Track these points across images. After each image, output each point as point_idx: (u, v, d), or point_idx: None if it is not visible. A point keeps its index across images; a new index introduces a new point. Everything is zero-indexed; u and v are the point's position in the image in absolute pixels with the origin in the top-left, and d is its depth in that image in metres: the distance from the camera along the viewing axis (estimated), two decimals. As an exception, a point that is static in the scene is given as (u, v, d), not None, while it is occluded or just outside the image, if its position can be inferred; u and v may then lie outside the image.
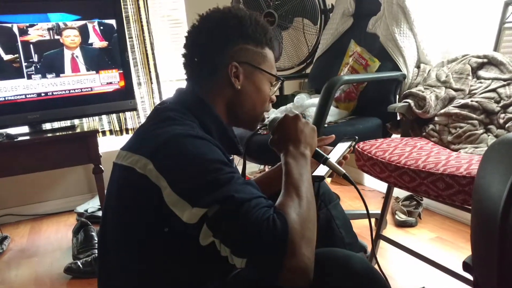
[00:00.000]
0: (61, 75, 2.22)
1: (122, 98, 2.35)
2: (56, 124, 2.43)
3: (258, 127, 1.12)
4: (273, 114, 2.00)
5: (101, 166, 2.19)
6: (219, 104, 1.02)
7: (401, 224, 2.26)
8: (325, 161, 0.99)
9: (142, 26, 2.88)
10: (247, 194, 0.80)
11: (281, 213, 0.79)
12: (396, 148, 1.52)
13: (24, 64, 2.14)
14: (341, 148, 1.09)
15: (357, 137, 1.13)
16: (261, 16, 1.06)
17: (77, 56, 2.24)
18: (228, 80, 1.01)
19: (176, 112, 0.95)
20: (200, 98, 1.00)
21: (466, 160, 1.32)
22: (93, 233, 2.20)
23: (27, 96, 2.16)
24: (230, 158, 1.12)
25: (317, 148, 1.00)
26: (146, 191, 0.84)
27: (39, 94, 2.18)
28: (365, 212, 0.98)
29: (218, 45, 1.00)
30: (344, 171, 0.98)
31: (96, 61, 2.29)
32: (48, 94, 2.20)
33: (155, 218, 0.85)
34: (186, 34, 1.05)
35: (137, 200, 0.87)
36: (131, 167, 0.88)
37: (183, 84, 1.08)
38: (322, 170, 1.02)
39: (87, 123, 2.69)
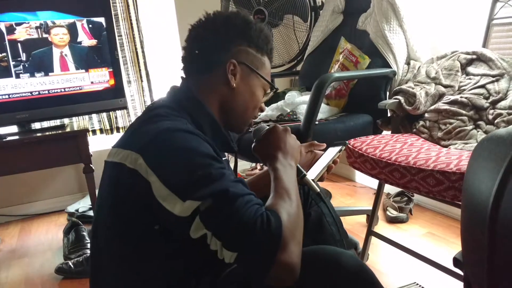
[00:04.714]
0: (50, 74, 2.19)
1: (112, 97, 2.33)
2: (46, 124, 2.41)
3: (249, 127, 1.13)
4: (263, 111, 2.00)
5: (91, 166, 2.17)
6: (213, 102, 1.02)
7: (392, 220, 2.28)
8: (302, 178, 1.01)
9: (131, 24, 2.86)
10: (240, 190, 0.81)
11: (274, 210, 0.80)
12: (387, 144, 1.53)
13: (12, 63, 2.11)
14: (331, 152, 1.12)
15: (347, 142, 1.15)
16: (265, 27, 1.08)
17: (66, 55, 2.22)
18: (225, 77, 1.01)
19: (166, 109, 0.95)
20: (194, 95, 1.00)
21: (456, 156, 1.33)
22: (84, 233, 2.18)
23: (16, 95, 2.14)
24: (224, 158, 1.13)
25: (298, 165, 1.03)
26: (136, 186, 0.84)
27: (27, 93, 2.16)
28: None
29: (222, 41, 1.02)
30: (319, 190, 1.00)
31: (86, 59, 2.27)
32: (37, 93, 2.17)
33: (146, 214, 0.85)
34: (190, 28, 1.05)
35: (127, 196, 0.87)
36: (121, 163, 0.87)
37: (174, 82, 1.08)
38: (311, 174, 1.05)
39: (77, 122, 2.67)
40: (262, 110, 1.12)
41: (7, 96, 2.12)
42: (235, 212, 0.78)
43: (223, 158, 1.12)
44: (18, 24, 2.12)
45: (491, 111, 1.57)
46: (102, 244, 0.94)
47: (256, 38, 1.03)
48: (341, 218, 1.26)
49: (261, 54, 1.06)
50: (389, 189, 2.42)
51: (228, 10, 2.47)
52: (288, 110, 1.96)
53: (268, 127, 1.06)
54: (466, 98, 1.63)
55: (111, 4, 2.63)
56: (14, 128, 2.20)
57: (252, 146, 1.05)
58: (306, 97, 1.86)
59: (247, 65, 1.03)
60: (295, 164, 1.00)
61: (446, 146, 1.56)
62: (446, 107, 1.65)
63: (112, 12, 2.52)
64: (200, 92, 1.01)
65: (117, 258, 0.91)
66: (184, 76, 1.08)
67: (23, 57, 2.13)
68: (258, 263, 0.77)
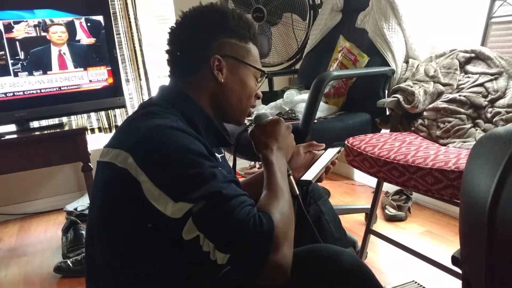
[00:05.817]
0: (48, 72, 2.19)
1: (110, 95, 2.33)
2: (44, 122, 2.40)
3: (248, 124, 1.12)
4: (262, 110, 2.00)
5: (90, 164, 2.16)
6: (204, 98, 1.01)
7: (391, 219, 2.28)
8: (288, 176, 1.01)
9: (129, 22, 2.85)
10: (232, 191, 0.81)
11: (266, 211, 0.80)
12: (386, 143, 1.53)
13: (10, 61, 2.11)
14: (330, 153, 1.12)
15: (346, 143, 1.15)
16: (244, 12, 1.06)
17: (64, 53, 2.22)
18: (211, 73, 0.99)
19: (158, 107, 0.94)
20: (183, 92, 0.99)
21: (454, 154, 1.33)
22: (82, 232, 2.18)
23: (14, 94, 2.13)
24: (222, 155, 1.13)
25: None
26: (127, 186, 0.83)
27: (26, 92, 2.15)
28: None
29: (201, 39, 1.00)
30: (298, 193, 1.00)
31: (84, 58, 2.27)
32: (36, 91, 2.17)
33: (138, 213, 0.84)
34: (169, 30, 1.04)
35: (119, 195, 0.86)
36: (112, 163, 0.87)
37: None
38: (310, 175, 1.05)
39: (75, 121, 2.66)
40: (259, 97, 1.10)
41: (5, 95, 2.11)
42: (227, 214, 0.77)
43: (221, 155, 1.12)
44: (16, 23, 2.11)
45: (490, 110, 1.57)
46: (97, 243, 0.93)
47: (235, 27, 1.01)
48: (340, 216, 1.26)
49: (245, 41, 1.03)
50: (388, 187, 2.42)
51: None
52: (287, 109, 1.96)
53: (271, 117, 1.06)
54: (464, 96, 1.63)
55: (110, 3, 2.63)
56: (12, 127, 2.19)
57: (250, 130, 1.04)
58: (305, 96, 1.86)
59: (232, 57, 1.01)
60: (286, 162, 1.00)
61: (444, 145, 1.56)
62: (445, 105, 1.65)
63: (111, 11, 2.52)
64: (190, 92, 0.99)
65: (112, 257, 0.90)
66: (172, 76, 1.06)
67: (22, 55, 2.13)
68: (250, 264, 0.77)
